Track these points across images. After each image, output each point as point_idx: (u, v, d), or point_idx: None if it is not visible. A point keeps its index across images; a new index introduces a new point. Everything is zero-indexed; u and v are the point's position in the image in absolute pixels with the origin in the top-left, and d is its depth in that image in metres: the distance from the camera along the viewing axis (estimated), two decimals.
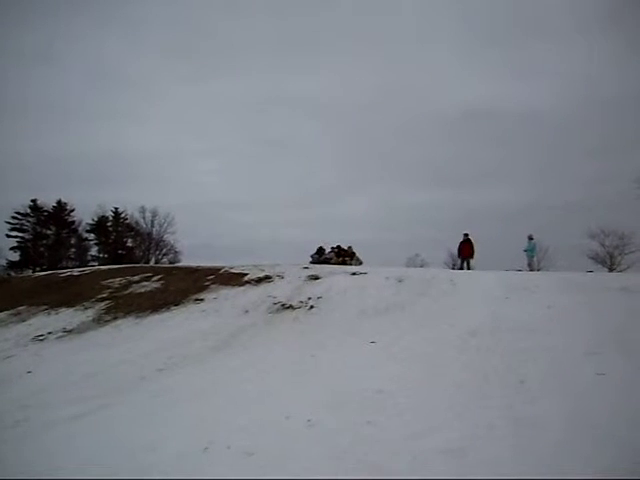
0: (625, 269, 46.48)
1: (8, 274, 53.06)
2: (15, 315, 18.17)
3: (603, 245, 50.65)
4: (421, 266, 50.26)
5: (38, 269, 53.66)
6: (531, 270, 25.41)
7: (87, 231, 66.91)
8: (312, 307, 15.48)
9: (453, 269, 27.56)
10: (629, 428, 6.22)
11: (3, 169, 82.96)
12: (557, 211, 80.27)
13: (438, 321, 12.77)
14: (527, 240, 26.07)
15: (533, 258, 26.76)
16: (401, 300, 15.04)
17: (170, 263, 59.42)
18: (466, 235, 25.68)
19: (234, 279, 19.34)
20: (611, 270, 46.53)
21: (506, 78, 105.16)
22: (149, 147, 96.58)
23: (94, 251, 67.92)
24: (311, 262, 25.87)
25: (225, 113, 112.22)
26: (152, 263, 60.19)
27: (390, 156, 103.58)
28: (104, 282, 20.93)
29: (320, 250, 27.34)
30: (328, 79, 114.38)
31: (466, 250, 25.56)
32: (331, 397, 8.18)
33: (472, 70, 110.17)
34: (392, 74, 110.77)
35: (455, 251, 28.48)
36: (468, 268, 25.47)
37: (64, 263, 58.30)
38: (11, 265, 60.03)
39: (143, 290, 19.40)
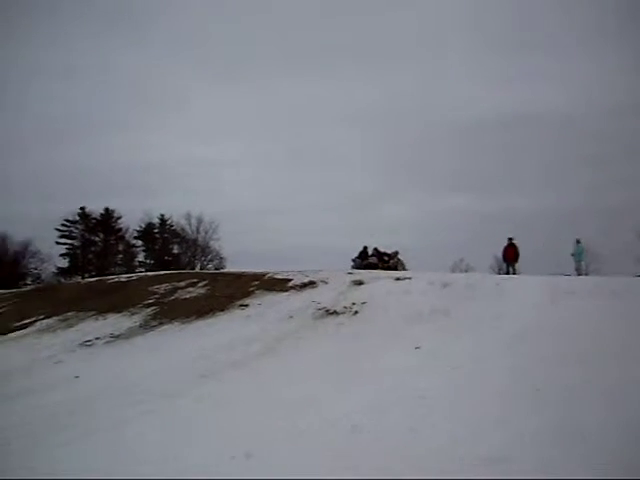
0: None
1: (58, 280, 54.02)
2: (63, 321, 18.48)
3: None
4: (466, 271, 49.71)
5: (87, 275, 54.61)
6: (579, 275, 24.89)
7: (134, 238, 67.80)
8: (356, 312, 15.40)
9: (499, 274, 27.17)
10: None
11: (51, 179, 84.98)
12: (607, 214, 78.65)
13: (483, 326, 12.65)
14: (574, 244, 25.65)
15: (581, 262, 26.10)
16: (446, 305, 14.87)
17: (216, 269, 59.93)
18: (510, 239, 25.42)
19: (278, 285, 19.38)
20: None
21: (534, 84, 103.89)
22: (190, 156, 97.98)
23: (141, 257, 68.87)
24: (354, 267, 25.72)
25: (257, 121, 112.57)
26: (198, 269, 60.80)
27: (426, 163, 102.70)
28: (151, 288, 21.19)
29: (364, 252, 27.05)
30: (347, 88, 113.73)
31: (510, 254, 25.31)
32: (375, 403, 8.17)
33: (483, 80, 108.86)
34: (408, 83, 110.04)
35: (500, 256, 28.06)
36: (513, 272, 25.18)
37: (112, 269, 59.13)
38: (61, 272, 61.18)
39: (189, 296, 19.58)
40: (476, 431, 6.70)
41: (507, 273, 25.38)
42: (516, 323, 12.42)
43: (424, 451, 6.23)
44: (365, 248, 27.19)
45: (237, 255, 67.88)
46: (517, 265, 25.74)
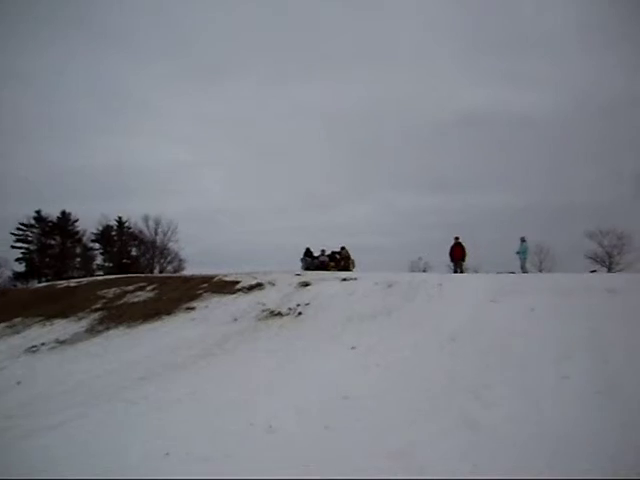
0: (623, 269, 46.68)
1: (14, 285, 53.37)
2: (10, 327, 18.44)
3: (601, 245, 51.20)
4: (424, 270, 50.34)
5: (44, 279, 53.98)
6: (524, 272, 25.40)
7: (92, 241, 67.30)
8: (300, 314, 15.64)
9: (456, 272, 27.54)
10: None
11: (5, 182, 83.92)
12: (557, 213, 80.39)
13: (421, 326, 12.93)
14: (519, 242, 26.08)
15: (525, 260, 26.68)
16: (388, 305, 15.15)
17: (174, 271, 59.89)
18: (457, 239, 25.88)
19: (227, 287, 19.53)
20: (609, 270, 46.75)
21: (504, 85, 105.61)
22: (149, 160, 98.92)
23: (99, 260, 68.35)
24: (304, 267, 25.97)
25: (222, 124, 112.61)
26: (157, 271, 60.67)
27: (391, 163, 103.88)
28: (99, 292, 21.22)
29: (307, 252, 27.33)
30: (327, 88, 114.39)
31: (457, 253, 25.76)
32: (299, 403, 8.44)
33: (471, 77, 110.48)
34: (391, 82, 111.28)
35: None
36: (461, 271, 25.68)
37: (70, 273, 58.54)
38: (17, 276, 60.42)
39: (136, 300, 19.65)
40: (387, 429, 6.98)
41: (455, 272, 25.83)
42: (454, 323, 12.68)
43: (334, 447, 6.49)
44: (308, 249, 27.63)
45: (199, 256, 67.84)
46: (464, 264, 26.26)
